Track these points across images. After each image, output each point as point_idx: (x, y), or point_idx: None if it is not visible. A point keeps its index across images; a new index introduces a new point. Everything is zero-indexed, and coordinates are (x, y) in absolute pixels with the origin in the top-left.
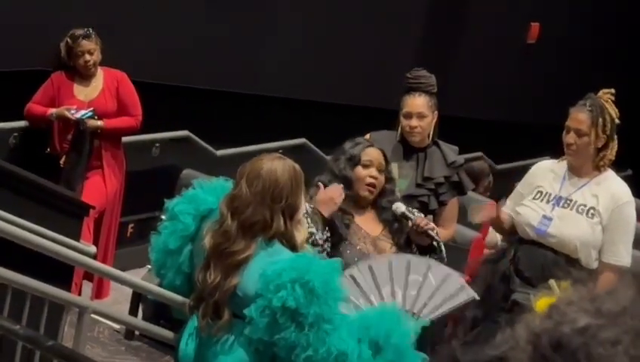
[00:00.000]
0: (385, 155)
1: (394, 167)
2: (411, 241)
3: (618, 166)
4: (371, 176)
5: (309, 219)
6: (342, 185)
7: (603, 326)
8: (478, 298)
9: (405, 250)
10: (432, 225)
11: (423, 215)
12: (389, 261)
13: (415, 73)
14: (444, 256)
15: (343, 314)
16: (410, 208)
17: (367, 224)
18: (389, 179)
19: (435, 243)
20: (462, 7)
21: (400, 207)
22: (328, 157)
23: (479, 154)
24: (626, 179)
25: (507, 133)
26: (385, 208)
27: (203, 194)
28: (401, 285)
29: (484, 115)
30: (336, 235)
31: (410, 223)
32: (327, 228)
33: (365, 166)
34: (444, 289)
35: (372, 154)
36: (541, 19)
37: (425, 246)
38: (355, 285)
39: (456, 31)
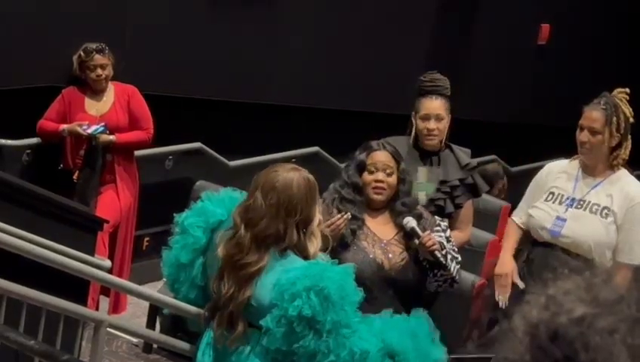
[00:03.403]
0: (395, 157)
1: (421, 171)
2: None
3: (632, 165)
4: (377, 181)
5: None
6: (347, 214)
7: (599, 315)
8: None
9: (417, 257)
10: (438, 245)
11: (433, 231)
12: None
13: (430, 76)
14: (454, 272)
15: (361, 317)
16: (420, 223)
17: (380, 228)
18: (403, 180)
19: (442, 259)
20: (471, 10)
21: (410, 221)
22: (342, 165)
23: (493, 157)
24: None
25: (521, 135)
26: (399, 212)
27: (212, 206)
28: None
29: (497, 118)
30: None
31: (416, 241)
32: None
33: (371, 171)
34: None
35: (377, 157)
36: (552, 20)
37: (433, 261)
38: None
39: (466, 33)
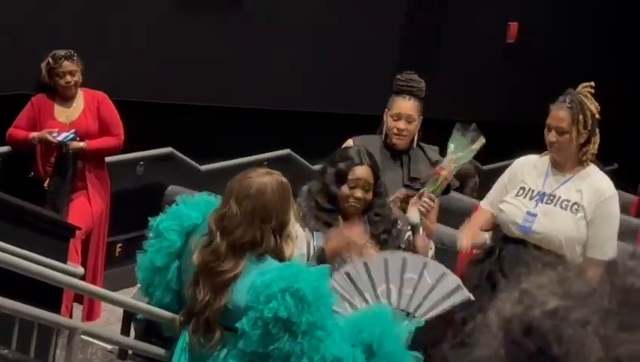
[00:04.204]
0: (375, 172)
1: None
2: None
3: (604, 160)
4: (355, 198)
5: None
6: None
7: (572, 307)
8: (473, 298)
9: None
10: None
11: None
12: (384, 258)
13: (407, 76)
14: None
15: (336, 320)
16: (393, 229)
17: (354, 233)
18: (379, 194)
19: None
20: (442, 10)
21: (415, 218)
22: (315, 167)
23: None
24: (611, 172)
25: (492, 133)
26: (374, 223)
27: (187, 209)
28: (397, 283)
29: (468, 117)
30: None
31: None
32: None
33: (351, 187)
34: (439, 288)
35: (360, 173)
36: (519, 19)
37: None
38: (350, 282)
39: (437, 33)
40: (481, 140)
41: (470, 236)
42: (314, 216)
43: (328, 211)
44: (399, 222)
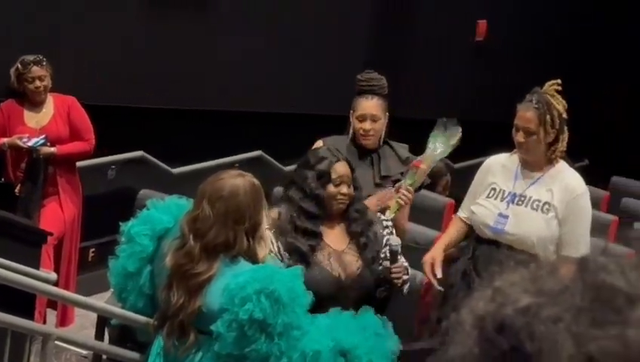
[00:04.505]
0: (351, 166)
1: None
2: (378, 258)
3: (574, 156)
4: (342, 194)
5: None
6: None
7: (544, 304)
8: None
9: (372, 265)
10: (403, 279)
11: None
12: None
13: (367, 76)
14: (404, 290)
15: (311, 318)
16: (370, 229)
17: (334, 239)
18: (357, 188)
19: (400, 286)
20: (409, 8)
21: (396, 245)
22: (287, 169)
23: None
24: (582, 168)
25: (462, 131)
26: (353, 218)
27: (158, 214)
28: None
29: (438, 115)
30: (296, 255)
31: (388, 264)
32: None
33: (336, 184)
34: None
35: (341, 170)
36: (488, 17)
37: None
38: None
39: (405, 32)
40: (459, 134)
41: (432, 259)
42: (294, 227)
43: (312, 218)
44: (376, 223)
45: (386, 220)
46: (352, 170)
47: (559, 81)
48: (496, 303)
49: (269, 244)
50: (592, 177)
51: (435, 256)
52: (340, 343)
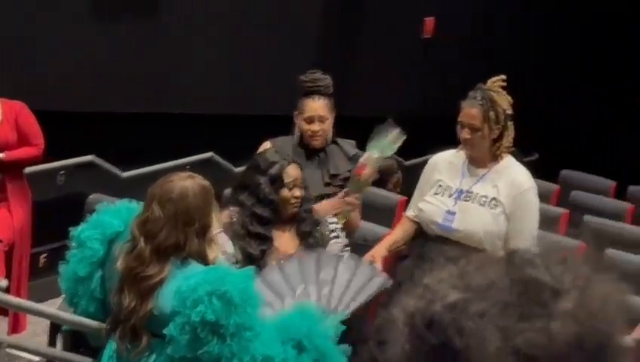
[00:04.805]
0: (300, 167)
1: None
2: None
3: (525, 151)
4: (295, 197)
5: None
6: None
7: (472, 300)
8: (391, 282)
9: None
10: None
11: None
12: (298, 260)
13: (311, 76)
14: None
15: (263, 320)
16: (317, 230)
17: (285, 243)
18: (306, 188)
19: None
20: (356, 6)
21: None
22: (238, 170)
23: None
24: (532, 163)
25: (411, 128)
26: (302, 219)
27: (108, 217)
28: (314, 283)
29: (387, 113)
30: (247, 260)
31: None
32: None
33: (290, 188)
34: (357, 280)
35: (293, 173)
36: (436, 14)
37: None
38: (270, 289)
39: (352, 30)
40: (401, 137)
41: (371, 257)
42: (246, 232)
43: (265, 223)
44: (323, 224)
45: (334, 223)
46: (302, 170)
47: (504, 77)
48: (425, 300)
49: (219, 246)
50: (542, 171)
51: (375, 253)
52: (293, 338)
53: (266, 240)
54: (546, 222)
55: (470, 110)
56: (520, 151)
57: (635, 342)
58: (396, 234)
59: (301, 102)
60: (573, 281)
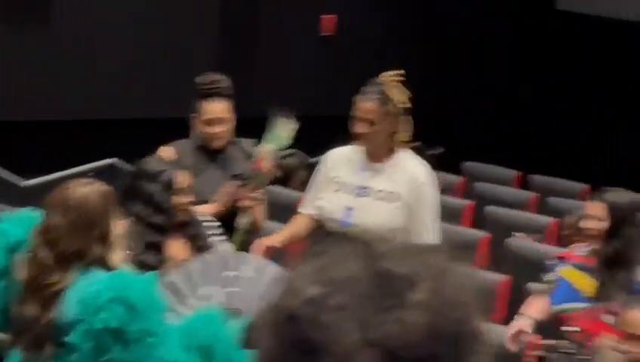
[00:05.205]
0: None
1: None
2: None
3: (429, 143)
4: (186, 203)
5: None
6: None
7: (331, 294)
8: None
9: None
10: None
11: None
12: (202, 260)
13: (210, 78)
14: None
15: (168, 325)
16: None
17: (178, 250)
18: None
19: None
20: (255, 4)
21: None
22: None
23: (293, 150)
24: (437, 156)
25: (314, 127)
26: (188, 223)
27: (10, 227)
28: (219, 283)
29: (289, 111)
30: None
31: None
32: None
33: (181, 194)
34: (262, 279)
35: (182, 179)
36: (337, 12)
37: None
38: (174, 292)
39: (252, 31)
40: (295, 126)
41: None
42: (143, 243)
43: (161, 232)
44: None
45: (210, 220)
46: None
47: (401, 71)
48: (287, 295)
49: (122, 251)
50: (449, 164)
51: (264, 241)
52: (198, 345)
53: (162, 248)
54: (451, 214)
55: (365, 104)
56: (425, 145)
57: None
58: (289, 231)
59: (200, 105)
60: (428, 272)
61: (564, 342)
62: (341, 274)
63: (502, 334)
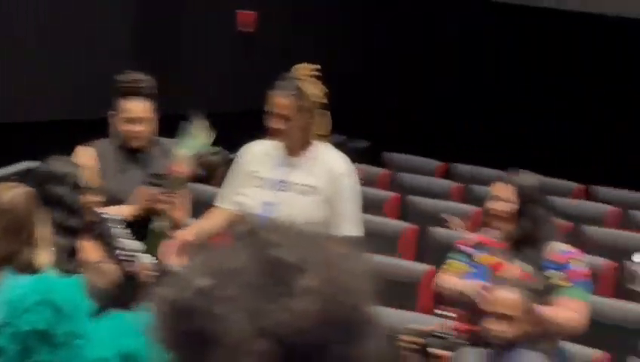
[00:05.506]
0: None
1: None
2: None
3: (354, 137)
4: (94, 201)
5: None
6: None
7: (219, 285)
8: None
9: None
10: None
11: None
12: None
13: (131, 77)
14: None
15: (94, 326)
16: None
17: (89, 250)
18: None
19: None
20: (174, 5)
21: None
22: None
23: (217, 148)
24: (360, 149)
25: (234, 123)
26: (95, 223)
27: None
28: None
29: (210, 108)
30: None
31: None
32: None
33: (87, 192)
34: None
35: (86, 176)
36: (256, 8)
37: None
38: None
39: (171, 29)
40: (211, 131)
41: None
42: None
43: (75, 234)
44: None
45: (118, 220)
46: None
47: (316, 66)
48: (177, 288)
49: (47, 253)
50: (371, 157)
51: (178, 235)
52: (123, 347)
53: (76, 251)
54: (375, 206)
55: (280, 99)
56: (348, 139)
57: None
58: (202, 224)
59: (120, 103)
60: (316, 258)
61: (439, 326)
62: (230, 264)
63: (427, 323)
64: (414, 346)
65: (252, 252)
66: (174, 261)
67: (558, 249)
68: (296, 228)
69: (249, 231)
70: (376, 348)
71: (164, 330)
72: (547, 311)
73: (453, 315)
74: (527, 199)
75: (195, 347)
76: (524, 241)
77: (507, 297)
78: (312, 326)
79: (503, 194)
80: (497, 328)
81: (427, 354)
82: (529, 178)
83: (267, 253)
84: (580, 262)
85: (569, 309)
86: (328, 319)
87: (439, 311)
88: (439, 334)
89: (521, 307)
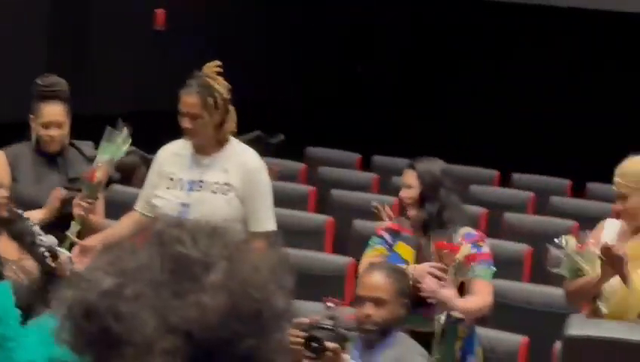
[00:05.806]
0: None
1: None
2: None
3: (270, 132)
4: (4, 197)
5: None
6: None
7: (125, 284)
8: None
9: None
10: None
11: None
12: None
13: (48, 81)
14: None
15: (25, 330)
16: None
17: (6, 250)
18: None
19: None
20: (85, 5)
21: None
22: None
23: (133, 148)
24: (278, 144)
25: (151, 122)
26: (9, 220)
27: None
28: None
29: (123, 108)
30: None
31: None
32: None
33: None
34: None
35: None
36: (166, 5)
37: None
38: None
39: (83, 29)
40: (129, 138)
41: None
42: None
43: None
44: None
45: (31, 224)
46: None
47: (219, 62)
48: (80, 289)
49: None
50: (289, 151)
51: (83, 243)
52: (54, 352)
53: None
54: (295, 201)
55: (188, 98)
56: (265, 134)
57: None
58: (112, 230)
59: (37, 107)
60: (222, 253)
61: (323, 316)
62: (133, 263)
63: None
64: (299, 340)
65: (157, 249)
66: (79, 266)
67: (464, 232)
68: (202, 224)
69: (155, 230)
70: (286, 341)
71: (71, 333)
72: (460, 303)
73: (333, 305)
74: (429, 184)
75: (104, 347)
76: (431, 226)
77: (377, 280)
78: (220, 320)
79: (407, 180)
80: (368, 312)
81: (311, 348)
82: (431, 163)
83: (172, 249)
84: (484, 244)
85: (477, 292)
86: (237, 313)
87: (326, 301)
88: (324, 326)
89: (390, 289)
